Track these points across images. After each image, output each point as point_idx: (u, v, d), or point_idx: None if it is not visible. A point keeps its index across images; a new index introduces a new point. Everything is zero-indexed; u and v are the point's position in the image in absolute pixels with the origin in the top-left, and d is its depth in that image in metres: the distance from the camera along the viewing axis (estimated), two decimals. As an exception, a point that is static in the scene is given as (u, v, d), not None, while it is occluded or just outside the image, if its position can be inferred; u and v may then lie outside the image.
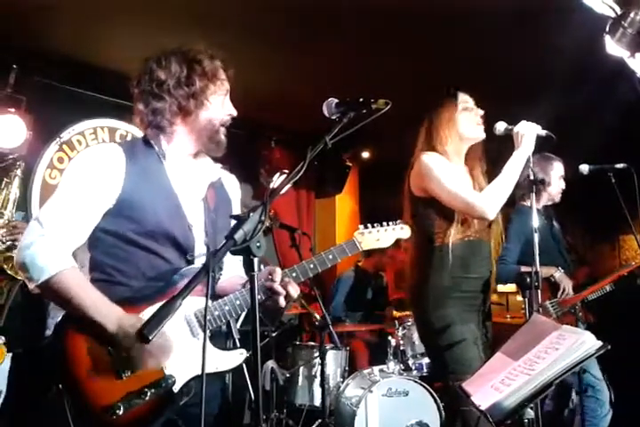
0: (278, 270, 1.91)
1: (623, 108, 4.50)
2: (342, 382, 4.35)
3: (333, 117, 1.74)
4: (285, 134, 6.15)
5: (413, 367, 4.41)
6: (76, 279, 1.75)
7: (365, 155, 7.03)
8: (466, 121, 2.77)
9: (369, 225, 2.16)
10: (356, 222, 7.62)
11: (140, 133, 2.11)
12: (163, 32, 4.14)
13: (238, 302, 1.89)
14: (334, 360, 4.44)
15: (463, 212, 2.65)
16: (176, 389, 1.78)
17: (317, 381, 4.27)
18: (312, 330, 5.10)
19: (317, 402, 4.24)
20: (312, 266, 1.99)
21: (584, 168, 3.61)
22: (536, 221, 2.68)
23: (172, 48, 2.02)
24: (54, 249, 1.75)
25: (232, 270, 2.11)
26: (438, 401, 3.95)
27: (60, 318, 1.80)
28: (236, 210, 2.18)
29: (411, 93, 4.05)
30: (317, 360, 4.25)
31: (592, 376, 3.53)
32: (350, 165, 6.97)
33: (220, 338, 1.98)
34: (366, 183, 7.50)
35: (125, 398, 1.71)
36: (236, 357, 1.91)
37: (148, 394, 1.73)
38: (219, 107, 2.00)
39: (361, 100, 1.71)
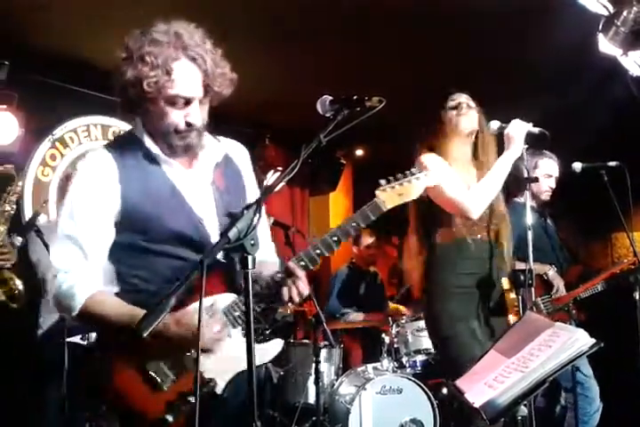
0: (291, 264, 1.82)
1: (616, 106, 4.51)
2: (336, 379, 4.35)
3: (327, 115, 1.74)
4: (279, 132, 6.14)
5: (407, 365, 4.41)
6: (103, 300, 1.75)
7: (359, 152, 7.03)
8: (453, 118, 2.81)
9: (390, 178, 2.00)
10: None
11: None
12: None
13: (264, 294, 1.82)
14: (328, 358, 4.44)
15: (450, 210, 2.72)
16: (219, 390, 1.77)
17: (311, 378, 4.27)
18: (306, 328, 5.10)
19: (311, 400, 4.24)
20: (335, 238, 1.85)
21: (577, 166, 3.61)
22: (529, 218, 2.70)
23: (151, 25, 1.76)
24: (79, 280, 1.75)
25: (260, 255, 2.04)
26: (432, 399, 3.96)
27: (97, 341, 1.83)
28: (250, 181, 2.04)
29: (405, 91, 4.06)
30: (311, 358, 4.25)
31: (581, 374, 3.54)
32: (344, 162, 6.96)
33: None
34: (360, 181, 7.50)
35: (171, 409, 1.71)
36: (273, 348, 1.90)
37: (192, 400, 1.70)
38: (168, 117, 1.76)
39: (355, 97, 1.69)
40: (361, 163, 7.25)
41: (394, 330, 4.54)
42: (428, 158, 2.76)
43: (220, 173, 1.93)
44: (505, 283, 2.93)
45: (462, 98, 2.86)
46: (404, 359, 4.44)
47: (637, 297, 3.34)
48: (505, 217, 2.88)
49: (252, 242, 1.44)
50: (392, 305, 5.27)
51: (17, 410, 3.86)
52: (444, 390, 2.70)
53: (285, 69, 4.72)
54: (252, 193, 2.02)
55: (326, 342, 4.19)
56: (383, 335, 4.52)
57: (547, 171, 3.83)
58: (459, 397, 1.87)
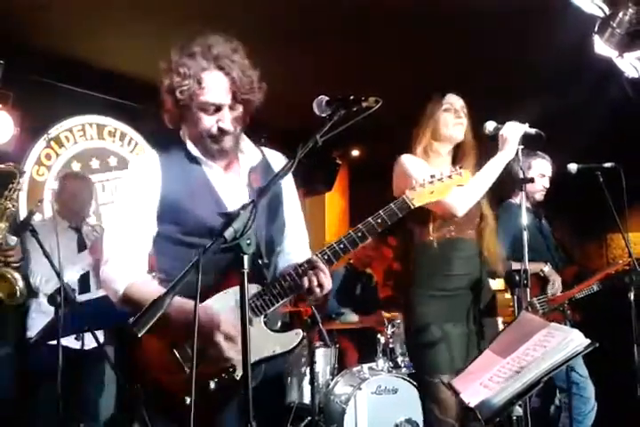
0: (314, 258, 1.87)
1: (612, 107, 4.53)
2: (332, 379, 4.35)
3: (324, 115, 1.74)
4: (275, 132, 6.13)
5: (402, 365, 4.42)
6: (143, 287, 1.86)
7: (355, 153, 7.04)
8: (445, 121, 2.78)
9: (425, 178, 2.03)
10: (345, 220, 7.62)
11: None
12: (151, 29, 4.14)
13: (287, 283, 1.87)
14: (324, 358, 4.44)
15: (434, 209, 2.64)
16: (238, 376, 1.80)
17: (307, 378, 4.27)
18: (302, 328, 5.09)
19: (307, 400, 4.24)
20: (360, 234, 1.90)
21: (572, 167, 3.62)
22: (525, 218, 2.70)
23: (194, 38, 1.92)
24: (121, 268, 1.89)
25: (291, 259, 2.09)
26: (427, 399, 3.96)
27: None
28: (288, 190, 2.14)
29: (402, 92, 4.06)
30: (307, 358, 4.25)
31: (577, 374, 3.55)
32: (340, 162, 6.96)
33: (275, 320, 1.98)
34: (356, 181, 7.51)
35: (190, 391, 1.75)
36: (293, 338, 1.94)
37: (212, 385, 1.79)
38: (201, 122, 1.90)
39: (351, 97, 1.70)
40: (357, 163, 7.26)
41: (389, 330, 4.54)
42: (407, 159, 2.73)
43: (256, 176, 2.03)
44: (499, 283, 2.92)
45: (459, 104, 2.81)
46: (400, 359, 4.44)
47: (632, 298, 3.36)
48: (490, 218, 2.84)
49: (248, 242, 1.44)
50: (385, 315, 5.24)
51: (11, 410, 3.86)
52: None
53: (283, 69, 4.71)
54: (290, 202, 2.13)
55: (322, 342, 4.19)
56: (378, 335, 4.52)
57: (540, 171, 3.85)
58: (454, 397, 1.87)
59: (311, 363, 3.85)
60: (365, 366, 4.32)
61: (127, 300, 1.86)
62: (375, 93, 1.71)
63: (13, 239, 3.25)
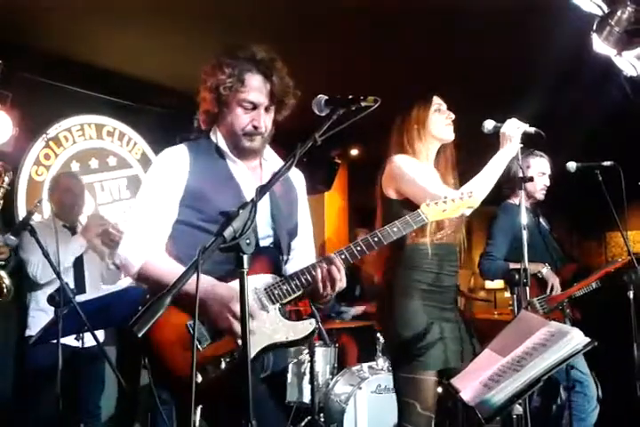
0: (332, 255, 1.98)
1: (610, 105, 4.53)
2: (331, 379, 4.35)
3: (323, 114, 1.74)
4: (274, 131, 6.13)
5: (402, 364, 4.41)
6: (158, 263, 1.96)
7: (354, 152, 7.03)
8: (436, 121, 2.76)
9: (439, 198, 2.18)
10: (344, 220, 7.63)
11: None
12: (149, 29, 4.14)
13: (305, 277, 1.97)
14: (323, 357, 4.44)
15: None
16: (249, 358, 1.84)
17: (307, 378, 4.28)
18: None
19: (307, 399, 4.24)
20: (376, 239, 2.04)
21: (571, 166, 3.63)
22: (524, 218, 2.69)
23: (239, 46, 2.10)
24: (137, 245, 1.99)
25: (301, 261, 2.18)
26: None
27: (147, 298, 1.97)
28: (302, 203, 2.29)
29: (401, 91, 4.06)
30: (306, 357, 4.25)
31: (579, 372, 3.56)
32: (339, 162, 6.96)
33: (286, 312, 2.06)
34: (355, 181, 7.50)
35: (202, 369, 1.83)
36: (306, 326, 2.00)
37: (223, 364, 1.85)
38: (238, 118, 2.07)
39: (350, 97, 1.71)
40: (356, 162, 7.25)
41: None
42: (401, 159, 2.70)
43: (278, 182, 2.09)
44: (498, 282, 2.92)
45: (444, 104, 2.80)
46: (399, 359, 4.44)
47: (631, 296, 3.36)
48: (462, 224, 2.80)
49: (248, 241, 1.44)
50: None
51: (12, 410, 3.87)
52: (439, 389, 2.71)
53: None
54: (303, 209, 2.28)
55: (321, 342, 4.20)
56: (378, 334, 4.52)
57: (540, 169, 3.86)
58: (454, 395, 1.88)
59: (311, 362, 3.86)
60: (365, 365, 4.32)
61: (144, 276, 1.97)
62: (374, 93, 1.72)
63: (12, 239, 3.26)
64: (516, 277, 2.60)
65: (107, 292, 3.28)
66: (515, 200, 3.72)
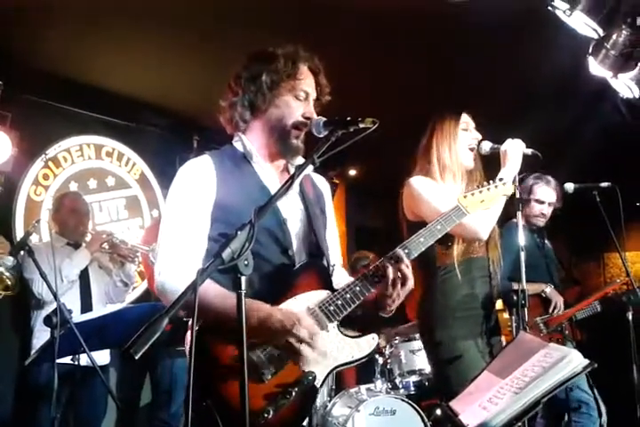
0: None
1: (607, 127, 4.56)
2: (329, 400, 4.30)
3: (321, 136, 1.75)
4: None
5: (401, 386, 4.38)
6: (207, 292, 1.74)
7: (352, 172, 7.04)
8: (463, 141, 2.73)
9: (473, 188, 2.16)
10: (342, 240, 7.60)
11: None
12: (150, 48, 4.18)
13: (358, 289, 1.87)
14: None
15: (457, 233, 2.58)
16: (318, 384, 1.80)
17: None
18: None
19: (304, 421, 4.19)
20: (422, 239, 1.97)
21: (569, 187, 3.64)
22: (522, 239, 2.69)
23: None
24: (179, 272, 1.80)
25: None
26: (425, 420, 3.92)
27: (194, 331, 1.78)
28: (329, 209, 2.20)
29: (400, 112, 4.08)
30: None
31: (585, 393, 3.52)
32: (337, 182, 6.97)
33: (351, 325, 1.97)
34: (353, 201, 7.50)
35: (272, 401, 1.74)
36: (370, 341, 1.92)
37: (293, 393, 1.76)
38: (290, 107, 1.97)
39: (348, 118, 1.73)
40: (354, 183, 7.27)
41: (387, 351, 4.51)
42: (417, 181, 2.68)
43: (308, 183, 2.11)
44: (498, 303, 2.90)
45: (472, 123, 2.76)
46: (398, 380, 4.40)
47: (630, 317, 3.35)
48: (494, 232, 2.80)
49: (246, 262, 1.44)
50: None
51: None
52: (438, 412, 2.68)
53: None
54: (330, 219, 2.18)
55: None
56: (377, 356, 4.49)
57: (539, 196, 3.84)
58: (452, 418, 1.86)
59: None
60: (363, 388, 4.27)
61: (190, 305, 1.80)
62: (372, 114, 1.73)
63: (10, 260, 3.25)
64: (514, 298, 2.59)
65: (106, 312, 3.25)
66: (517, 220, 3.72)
